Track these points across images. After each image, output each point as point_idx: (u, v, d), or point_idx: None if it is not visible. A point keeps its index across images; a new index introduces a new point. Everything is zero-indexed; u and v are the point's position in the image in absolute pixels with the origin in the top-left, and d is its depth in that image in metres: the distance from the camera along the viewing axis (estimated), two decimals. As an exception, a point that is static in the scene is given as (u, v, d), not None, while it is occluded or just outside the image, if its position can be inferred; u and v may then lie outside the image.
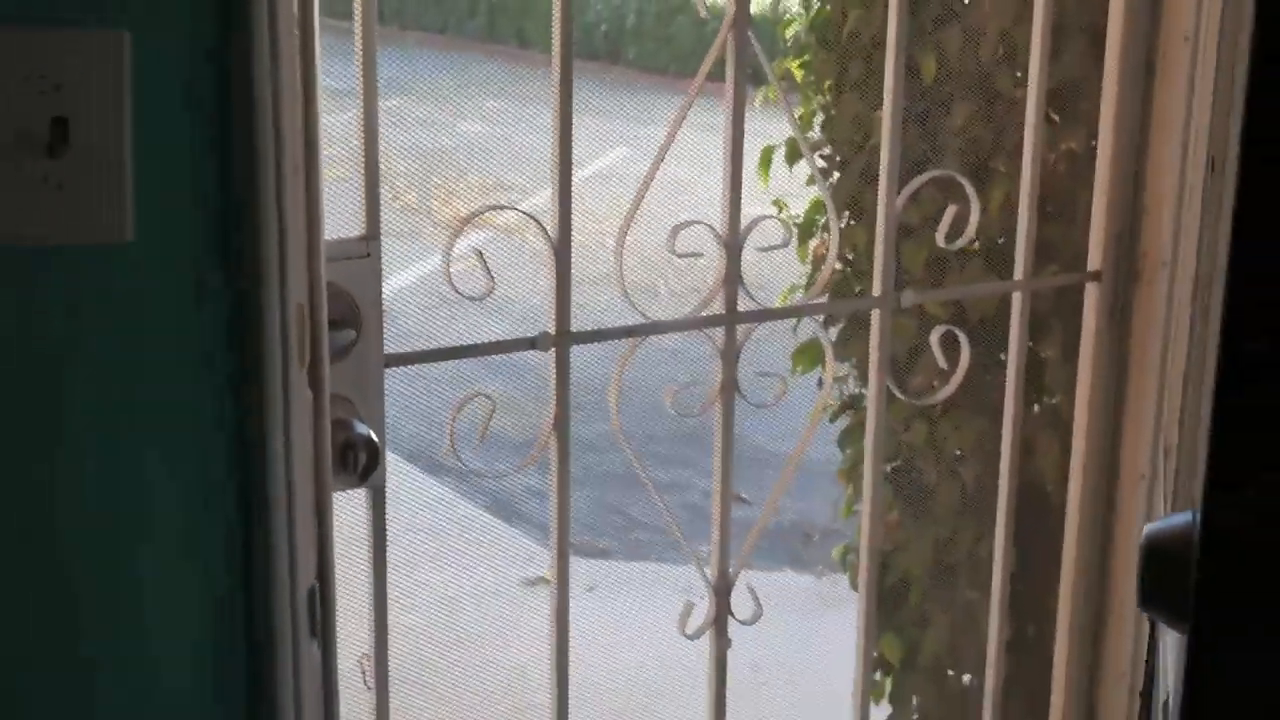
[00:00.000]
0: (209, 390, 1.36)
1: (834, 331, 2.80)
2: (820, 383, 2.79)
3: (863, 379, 2.79)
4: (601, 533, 5.50)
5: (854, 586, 2.98)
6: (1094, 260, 2.09)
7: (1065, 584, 2.21)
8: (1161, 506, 2.06)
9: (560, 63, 1.69)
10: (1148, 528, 1.04)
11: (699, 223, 1.83)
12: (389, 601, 1.71)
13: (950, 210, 2.00)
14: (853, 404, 2.86)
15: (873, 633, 2.22)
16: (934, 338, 2.06)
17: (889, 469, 2.78)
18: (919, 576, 2.76)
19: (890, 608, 2.81)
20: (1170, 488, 1.94)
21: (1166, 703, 1.29)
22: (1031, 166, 2.01)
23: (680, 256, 1.81)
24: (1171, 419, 2.03)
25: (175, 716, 1.38)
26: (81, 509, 1.32)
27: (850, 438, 2.86)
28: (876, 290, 1.96)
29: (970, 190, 2.01)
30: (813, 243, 2.77)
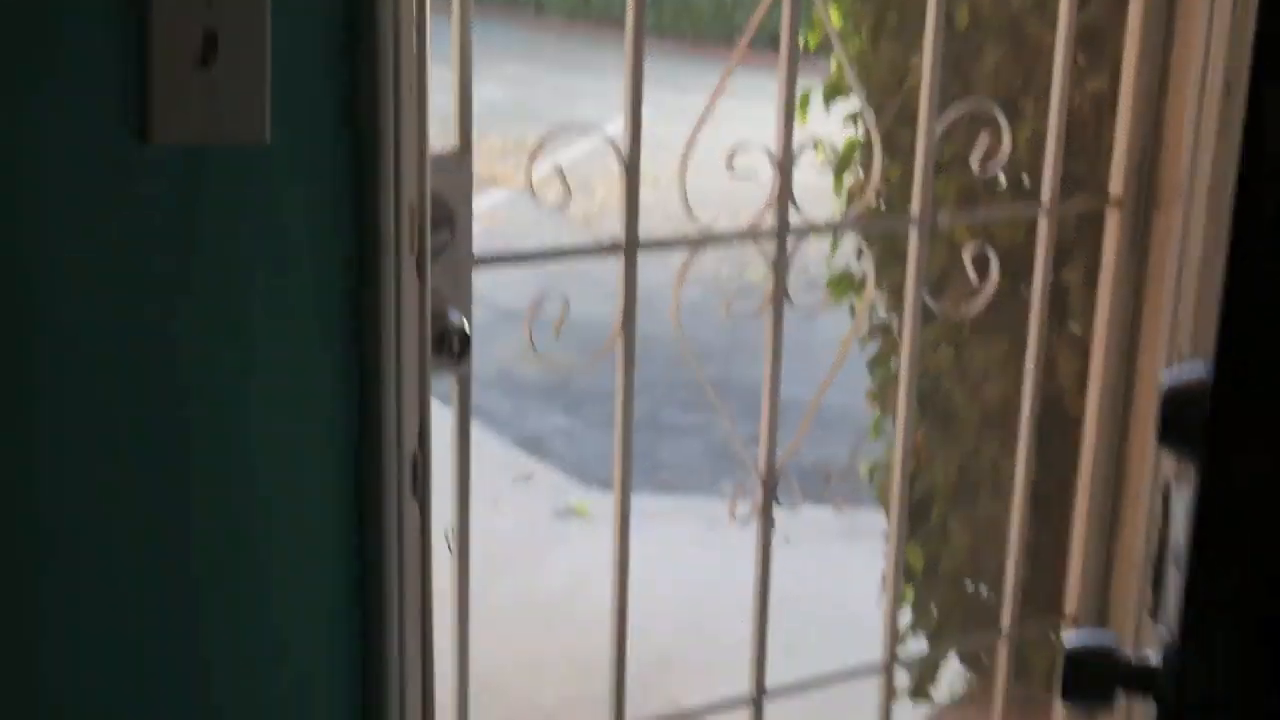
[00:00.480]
0: (333, 276, 1.53)
1: (869, 261, 2.98)
2: (853, 310, 2.97)
3: (894, 307, 2.96)
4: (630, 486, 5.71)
5: (880, 501, 3.17)
6: (1116, 187, 2.26)
7: (1082, 485, 2.38)
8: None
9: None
10: (1167, 373, 1.22)
11: (754, 144, 2.01)
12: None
13: (984, 138, 2.18)
14: (883, 330, 3.04)
15: (903, 540, 2.39)
16: (966, 256, 2.23)
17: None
18: (942, 490, 2.95)
19: (914, 520, 2.99)
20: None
21: (1177, 555, 1.46)
22: (1059, 96, 2.18)
23: (736, 176, 1.98)
24: (1184, 333, 2.20)
25: (299, 555, 1.57)
26: (218, 379, 1.50)
27: (880, 362, 3.04)
28: (915, 211, 2.14)
29: (1002, 119, 2.18)
30: (847, 178, 2.94)
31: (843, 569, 4.66)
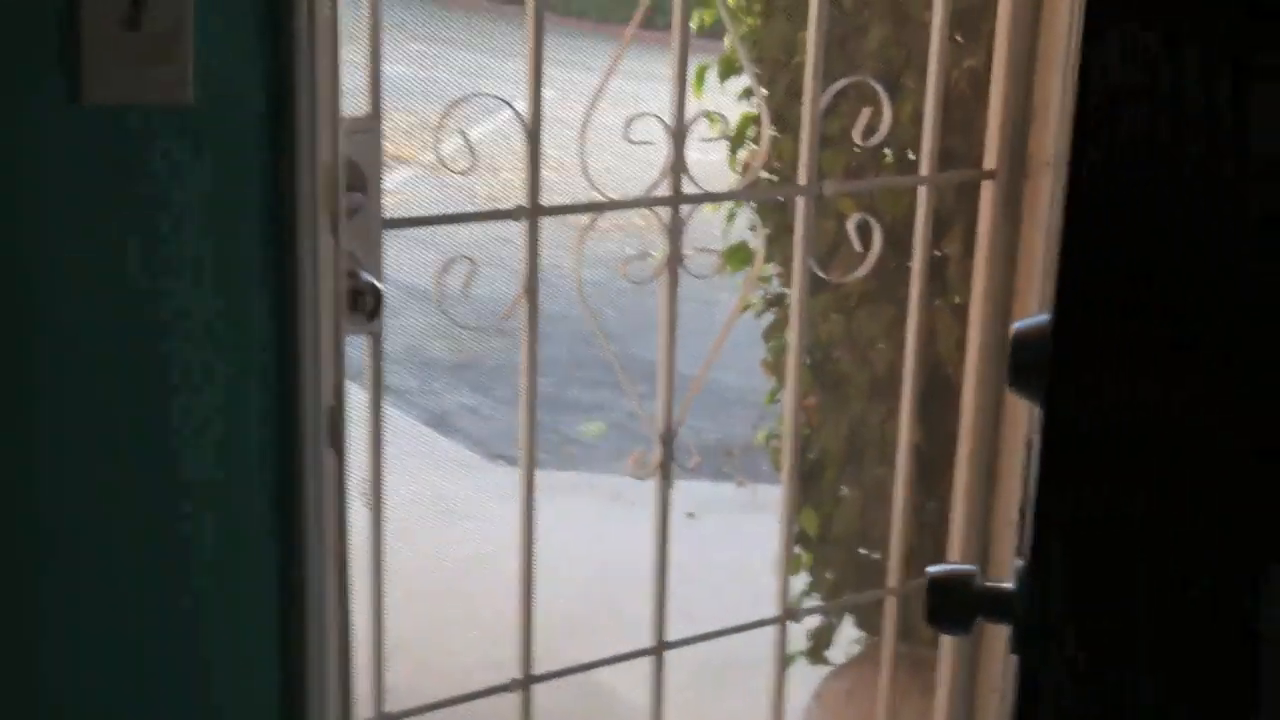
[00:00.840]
0: (253, 232, 1.63)
1: (761, 235, 3.10)
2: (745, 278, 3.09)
3: (787, 279, 3.09)
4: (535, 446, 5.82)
5: (775, 466, 3.30)
6: (989, 160, 2.40)
7: (962, 447, 2.52)
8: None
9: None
10: (1015, 325, 1.34)
11: (649, 114, 2.12)
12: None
13: (865, 112, 2.30)
14: (777, 301, 3.16)
15: (794, 499, 2.52)
16: (850, 225, 2.36)
17: (808, 359, 3.08)
18: (834, 456, 3.08)
19: (808, 485, 3.12)
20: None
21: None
22: (936, 73, 2.31)
23: (633, 143, 2.09)
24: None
25: (224, 499, 1.66)
26: (145, 326, 1.59)
27: (775, 332, 3.16)
28: (802, 181, 2.26)
29: (883, 93, 2.31)
30: (742, 153, 3.06)
31: (744, 541, 4.79)
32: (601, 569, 4.54)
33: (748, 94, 3.05)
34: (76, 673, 1.63)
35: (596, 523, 4.94)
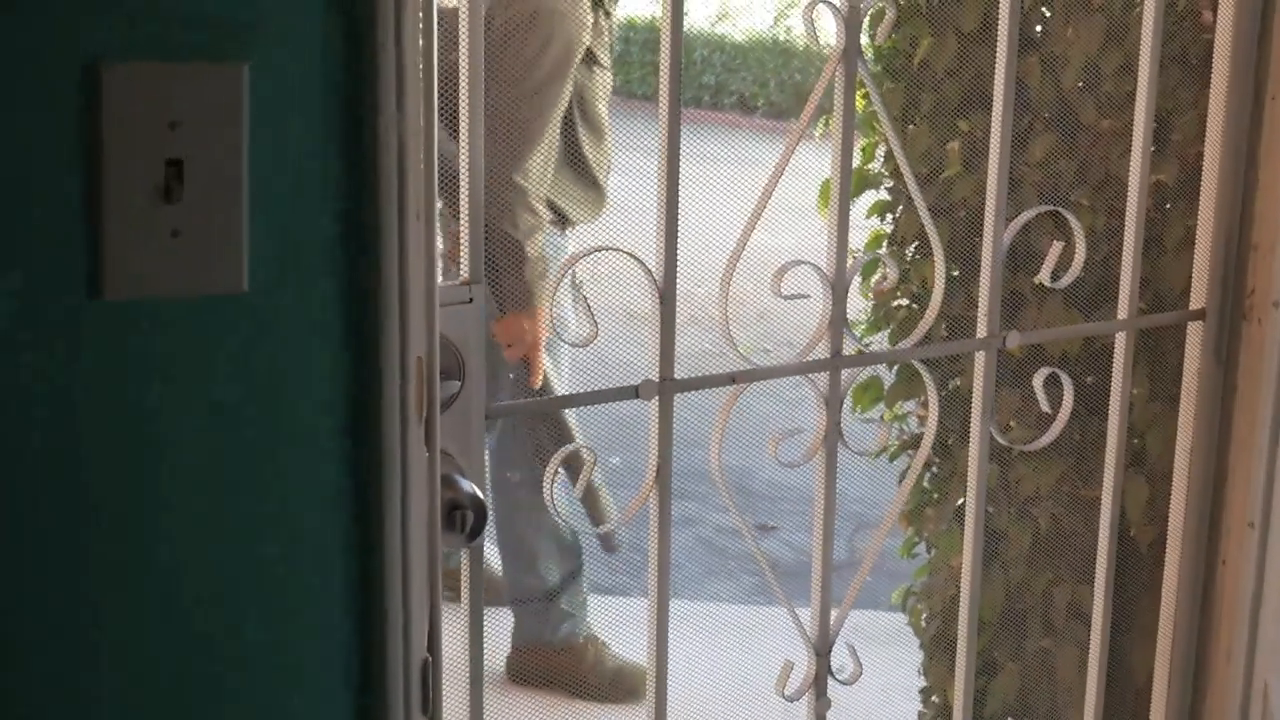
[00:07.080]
0: (328, 455, 1.26)
1: (894, 369, 2.73)
2: (884, 419, 2.69)
3: (924, 419, 2.70)
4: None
5: (916, 632, 2.89)
6: (1197, 298, 2.01)
7: (1164, 639, 2.11)
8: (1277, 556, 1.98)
9: (669, 107, 1.60)
10: None
11: (805, 263, 1.74)
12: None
13: (1055, 246, 1.91)
14: (914, 444, 2.77)
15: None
16: (1038, 382, 1.96)
17: (955, 512, 2.68)
18: (988, 622, 2.67)
19: (950, 651, 2.71)
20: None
21: None
22: (1137, 201, 1.92)
23: (786, 299, 1.71)
24: (1283, 464, 1.94)
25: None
26: (209, 576, 1.22)
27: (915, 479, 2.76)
28: (981, 331, 1.87)
29: (1075, 225, 1.93)
30: (874, 278, 2.68)
31: (877, 675, 4.36)
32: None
33: (880, 211, 2.67)
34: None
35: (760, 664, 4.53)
